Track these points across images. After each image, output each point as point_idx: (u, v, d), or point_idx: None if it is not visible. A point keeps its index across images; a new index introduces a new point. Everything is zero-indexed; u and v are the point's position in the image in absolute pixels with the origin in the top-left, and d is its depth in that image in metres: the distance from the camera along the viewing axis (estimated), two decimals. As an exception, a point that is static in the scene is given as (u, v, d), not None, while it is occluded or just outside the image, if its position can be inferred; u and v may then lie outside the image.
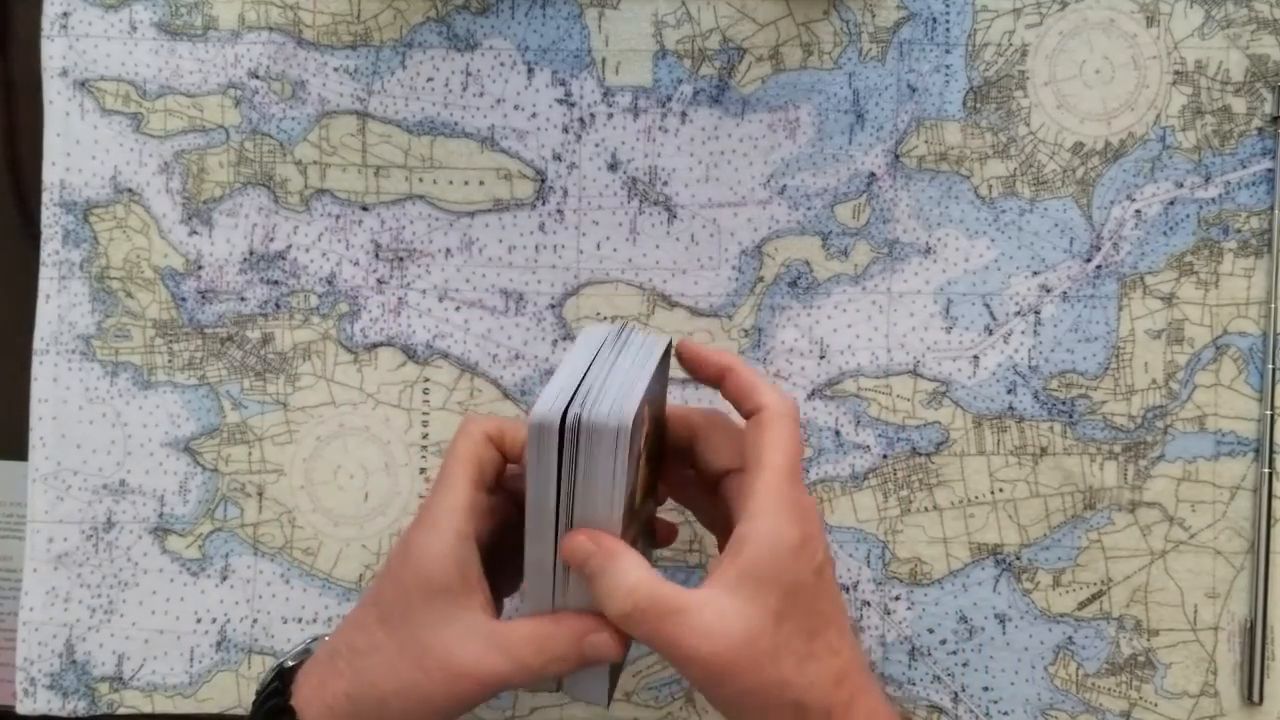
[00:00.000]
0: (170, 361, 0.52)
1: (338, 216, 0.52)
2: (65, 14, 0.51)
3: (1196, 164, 0.51)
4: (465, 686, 0.38)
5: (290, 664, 0.42)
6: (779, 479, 0.38)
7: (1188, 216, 0.51)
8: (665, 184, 0.51)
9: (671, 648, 0.36)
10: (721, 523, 0.42)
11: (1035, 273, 0.51)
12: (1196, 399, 0.51)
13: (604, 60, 0.51)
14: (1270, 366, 0.50)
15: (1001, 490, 0.51)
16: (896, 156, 0.51)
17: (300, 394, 0.52)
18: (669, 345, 0.43)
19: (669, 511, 0.49)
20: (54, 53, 0.51)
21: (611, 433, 0.37)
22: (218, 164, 0.52)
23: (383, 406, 0.52)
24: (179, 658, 0.51)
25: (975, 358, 0.51)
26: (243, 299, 0.52)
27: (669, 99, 0.51)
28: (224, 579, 0.51)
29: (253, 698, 0.42)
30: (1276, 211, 0.50)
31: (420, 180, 0.52)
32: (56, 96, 0.52)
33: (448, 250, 0.52)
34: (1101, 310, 0.51)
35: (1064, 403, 0.51)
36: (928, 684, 0.51)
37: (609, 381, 0.38)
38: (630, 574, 0.37)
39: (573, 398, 0.38)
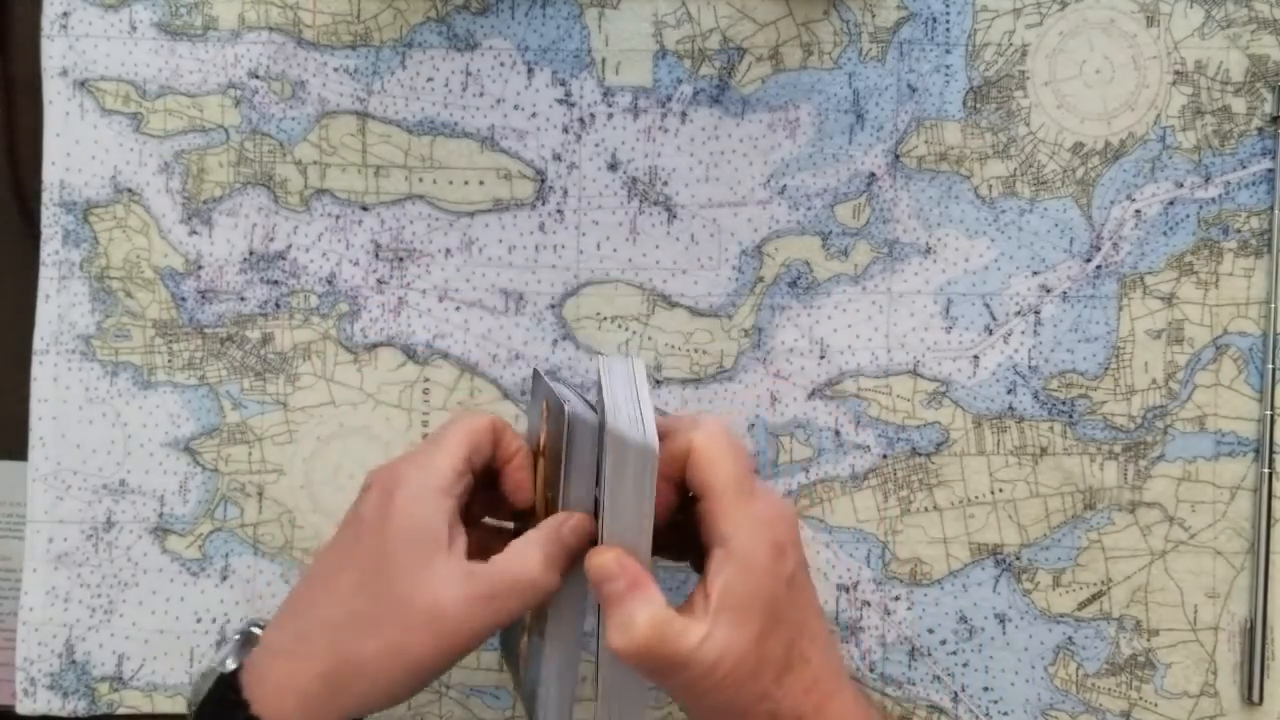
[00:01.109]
0: (170, 361, 0.52)
1: (338, 216, 0.52)
2: (65, 14, 0.51)
3: (1196, 164, 0.51)
4: (447, 629, 0.38)
5: (232, 667, 0.40)
6: (728, 501, 0.38)
7: (1188, 216, 0.51)
8: (665, 184, 0.51)
9: (663, 681, 0.38)
10: (697, 546, 0.42)
11: (1035, 273, 0.51)
12: (1196, 399, 0.51)
13: (604, 60, 0.51)
14: (1270, 366, 0.50)
15: (1001, 490, 0.51)
16: (896, 156, 0.51)
17: (300, 394, 0.52)
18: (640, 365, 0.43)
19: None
20: (54, 52, 0.51)
21: (640, 451, 0.37)
22: (217, 164, 0.52)
23: (383, 406, 0.52)
24: (179, 658, 0.51)
25: (975, 358, 0.51)
26: (243, 299, 0.52)
27: (669, 99, 0.51)
28: (224, 579, 0.51)
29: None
30: (1276, 211, 0.50)
31: (420, 180, 0.52)
32: (56, 96, 0.52)
33: (448, 250, 0.52)
34: (1101, 310, 0.51)
35: (1064, 403, 0.51)
36: (928, 684, 0.51)
37: (623, 405, 0.39)
38: (641, 612, 0.37)
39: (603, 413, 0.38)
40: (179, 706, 0.51)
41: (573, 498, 0.40)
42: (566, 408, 0.39)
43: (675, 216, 0.52)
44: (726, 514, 0.38)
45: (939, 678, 0.51)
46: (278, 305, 0.52)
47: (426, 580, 0.38)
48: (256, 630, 0.41)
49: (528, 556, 0.39)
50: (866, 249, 0.51)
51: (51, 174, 0.52)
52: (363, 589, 0.38)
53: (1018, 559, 0.51)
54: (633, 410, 0.38)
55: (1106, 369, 0.51)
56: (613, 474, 0.38)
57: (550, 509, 0.41)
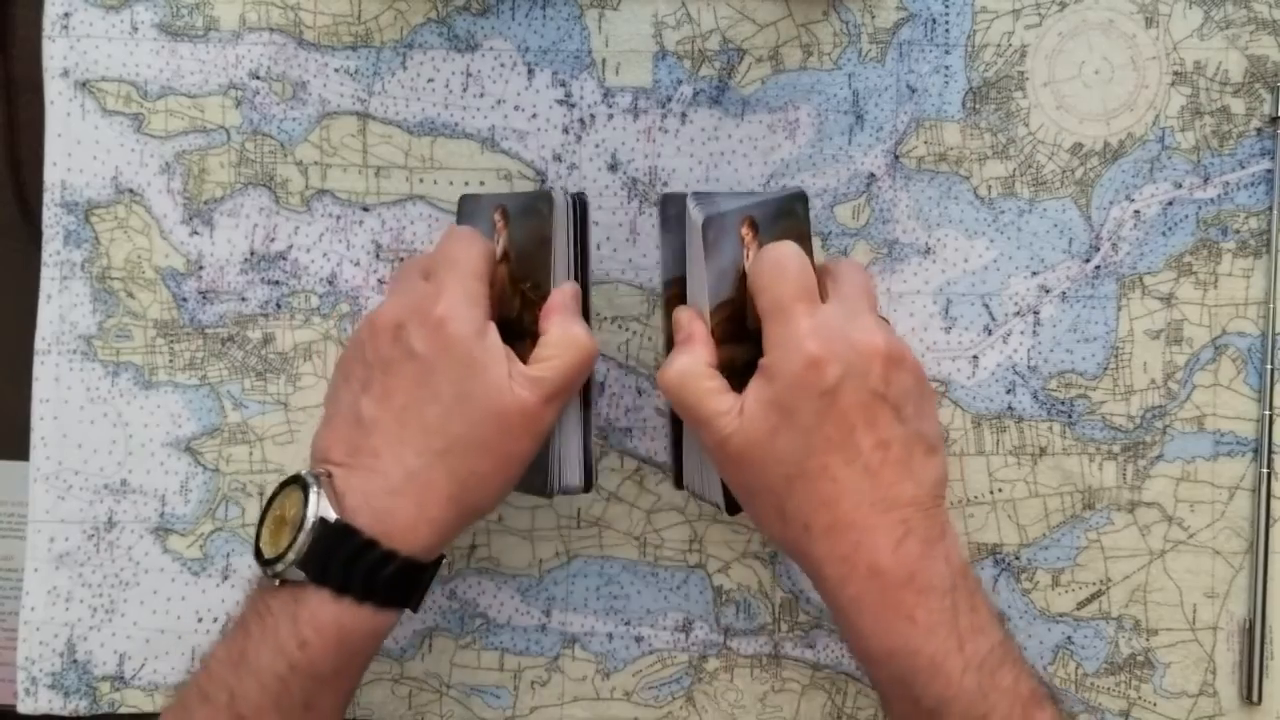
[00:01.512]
0: (171, 361, 0.52)
1: (338, 217, 0.52)
2: (67, 14, 0.51)
3: (1195, 164, 0.51)
4: (537, 427, 0.42)
5: (334, 516, 0.40)
6: (768, 324, 0.41)
7: (1186, 217, 0.51)
8: (665, 184, 0.52)
9: (696, 433, 0.43)
10: None
11: (1034, 273, 0.51)
12: (1195, 399, 0.51)
13: (604, 61, 0.51)
14: (1269, 366, 0.50)
15: (1000, 490, 0.51)
16: (896, 157, 0.51)
17: (301, 394, 0.52)
18: (801, 195, 0.45)
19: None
20: (55, 53, 0.52)
21: (690, 224, 0.44)
22: (219, 164, 0.52)
23: (383, 406, 0.52)
24: (180, 657, 0.51)
25: (974, 358, 0.51)
26: (243, 299, 0.52)
27: (669, 100, 0.51)
28: (225, 578, 0.52)
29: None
30: (1275, 212, 0.51)
31: (421, 181, 0.52)
32: (58, 97, 0.52)
33: (448, 250, 0.52)
34: (1100, 310, 0.51)
35: (1063, 403, 0.51)
36: (927, 683, 0.51)
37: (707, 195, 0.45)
38: (679, 361, 0.42)
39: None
40: (180, 706, 0.51)
41: (558, 275, 0.45)
42: (554, 196, 0.45)
43: (675, 217, 0.52)
44: (767, 336, 0.41)
45: (938, 677, 0.51)
46: (279, 305, 0.52)
47: (509, 392, 0.41)
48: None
49: (575, 332, 0.43)
50: (866, 249, 0.51)
51: (53, 174, 0.52)
52: (454, 417, 0.41)
53: (1017, 559, 0.51)
54: (713, 196, 0.44)
55: (1105, 369, 0.51)
56: (687, 246, 0.45)
57: (527, 302, 0.45)
